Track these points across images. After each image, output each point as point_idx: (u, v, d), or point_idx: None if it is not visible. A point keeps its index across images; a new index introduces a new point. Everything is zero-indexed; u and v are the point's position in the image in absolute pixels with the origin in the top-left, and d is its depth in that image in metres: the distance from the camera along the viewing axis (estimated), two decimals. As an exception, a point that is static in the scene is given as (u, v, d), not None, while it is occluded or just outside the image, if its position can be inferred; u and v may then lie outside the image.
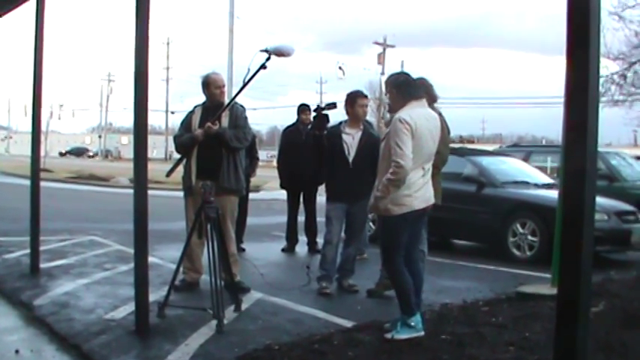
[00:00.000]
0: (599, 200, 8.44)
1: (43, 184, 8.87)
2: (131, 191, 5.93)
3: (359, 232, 8.11)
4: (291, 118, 11.43)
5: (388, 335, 5.59)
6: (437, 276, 8.37)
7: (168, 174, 7.57)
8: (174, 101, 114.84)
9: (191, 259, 7.38)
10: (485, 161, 12.24)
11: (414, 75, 6.30)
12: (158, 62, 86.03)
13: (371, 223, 10.95)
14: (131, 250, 6.46)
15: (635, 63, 19.14)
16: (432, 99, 6.65)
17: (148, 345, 5.47)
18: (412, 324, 5.61)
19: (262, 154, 11.81)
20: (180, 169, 7.59)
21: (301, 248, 11.18)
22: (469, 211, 11.32)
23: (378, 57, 54.70)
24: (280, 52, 6.53)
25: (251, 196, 11.11)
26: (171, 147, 8.03)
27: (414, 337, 5.54)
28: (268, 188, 25.70)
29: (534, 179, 12.06)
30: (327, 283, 7.75)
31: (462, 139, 62.68)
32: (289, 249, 11.20)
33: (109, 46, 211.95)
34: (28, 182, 8.81)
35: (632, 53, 19.03)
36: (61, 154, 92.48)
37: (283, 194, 11.56)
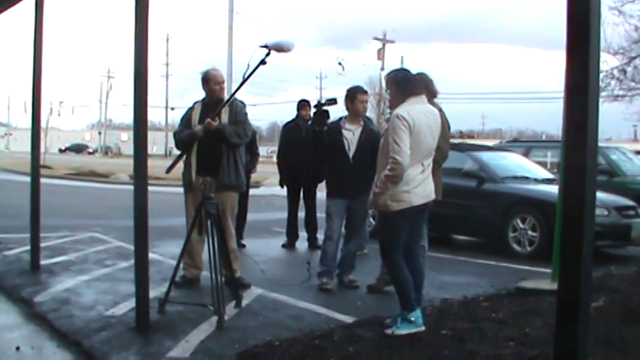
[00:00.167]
0: (599, 195, 8.43)
1: (43, 180, 8.88)
2: (131, 187, 5.94)
3: (359, 228, 8.11)
4: (291, 113, 11.43)
5: (389, 331, 5.59)
6: (437, 271, 8.37)
7: (168, 170, 7.56)
8: (174, 97, 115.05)
9: (191, 255, 7.38)
10: (486, 156, 12.23)
11: (414, 70, 6.30)
12: (158, 58, 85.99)
13: (371, 219, 10.95)
14: (131, 247, 6.46)
15: (635, 58, 19.11)
16: (431, 94, 6.65)
17: (149, 341, 5.47)
18: (412, 319, 5.61)
19: (262, 150, 11.81)
20: (180, 165, 7.58)
21: (301, 244, 11.19)
22: (469, 206, 11.32)
23: (377, 52, 54.72)
24: (280, 48, 6.52)
25: (251, 192, 11.11)
26: (171, 143, 8.03)
27: (414, 333, 5.54)
28: (268, 184, 25.70)
29: (534, 174, 12.05)
30: (328, 278, 7.75)
31: (461, 134, 62.58)
32: (289, 245, 11.20)
33: (109, 42, 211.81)
34: (28, 179, 8.81)
35: (632, 48, 19.00)
36: (61, 151, 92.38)
37: (283, 190, 11.55)
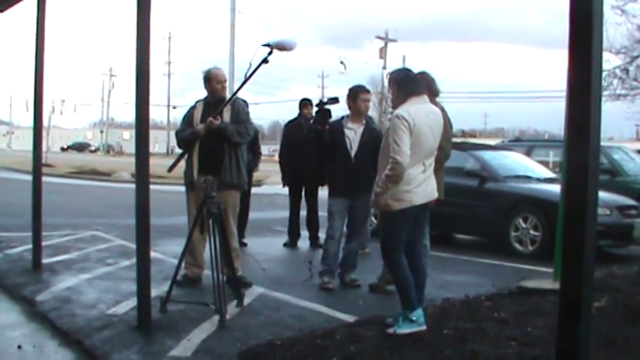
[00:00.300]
0: (601, 195, 8.41)
1: (44, 179, 8.90)
2: (133, 186, 5.92)
3: (361, 227, 8.10)
4: (293, 112, 11.44)
5: (390, 330, 5.58)
6: (439, 271, 8.36)
7: (170, 169, 7.55)
8: (176, 96, 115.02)
9: (193, 254, 7.38)
10: (488, 156, 12.23)
11: (416, 69, 6.30)
12: (160, 57, 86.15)
13: (373, 218, 10.95)
14: (133, 245, 6.46)
15: (637, 57, 19.13)
16: (433, 93, 6.64)
17: (150, 340, 5.47)
18: (413, 318, 5.61)
19: (264, 149, 11.82)
20: (182, 164, 7.58)
21: (303, 243, 11.19)
22: (471, 205, 11.31)
23: (379, 51, 54.71)
24: (282, 47, 6.50)
25: (253, 190, 11.10)
26: (173, 142, 8.05)
27: (416, 332, 5.54)
28: (270, 183, 25.70)
29: (536, 174, 12.05)
30: (330, 278, 7.75)
31: (463, 134, 62.54)
32: (291, 244, 11.20)
33: (111, 41, 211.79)
34: (30, 177, 8.81)
35: (634, 47, 19.03)
36: (63, 149, 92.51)
37: (285, 189, 11.55)
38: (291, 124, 11.35)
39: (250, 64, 6.46)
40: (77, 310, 6.26)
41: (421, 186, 5.66)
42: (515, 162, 12.59)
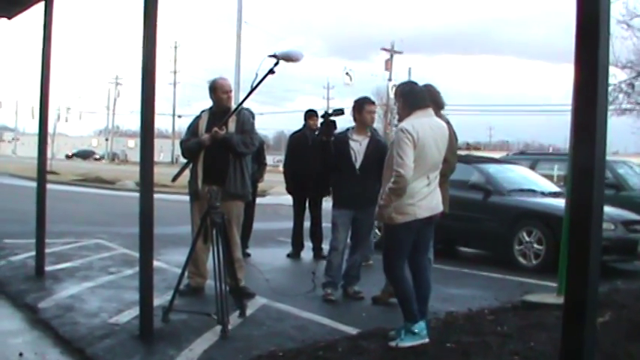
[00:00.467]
0: (606, 209, 8.40)
1: (49, 186, 8.89)
2: (137, 195, 5.91)
3: (365, 239, 8.09)
4: (298, 123, 11.43)
5: (392, 343, 5.57)
6: (443, 284, 8.33)
7: (175, 179, 7.55)
8: (182, 105, 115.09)
9: (196, 263, 7.37)
10: (492, 169, 12.22)
11: (422, 82, 6.30)
12: (165, 66, 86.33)
13: (377, 230, 10.94)
14: (136, 254, 6.45)
15: (643, 72, 19.14)
16: (438, 106, 6.63)
17: (152, 350, 5.46)
18: (416, 331, 5.60)
19: (269, 159, 11.80)
20: (186, 173, 7.58)
21: (307, 254, 11.17)
22: (475, 218, 11.30)
23: (385, 63, 54.67)
24: (289, 58, 6.52)
25: (257, 200, 11.10)
26: (178, 151, 8.04)
27: (418, 345, 5.53)
28: (275, 193, 25.70)
29: (541, 187, 12.03)
30: (333, 289, 7.73)
31: (468, 146, 62.52)
32: (295, 255, 11.18)
33: (117, 49, 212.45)
34: (34, 184, 8.82)
35: (640, 62, 19.03)
36: (68, 157, 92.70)
37: (289, 199, 11.55)
38: (296, 135, 11.35)
39: (256, 75, 6.48)
40: (79, 319, 6.25)
41: (425, 199, 5.66)
42: (519, 175, 12.57)
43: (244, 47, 32.20)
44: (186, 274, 6.80)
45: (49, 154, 12.72)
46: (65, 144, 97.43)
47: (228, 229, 6.84)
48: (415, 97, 5.81)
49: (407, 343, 5.53)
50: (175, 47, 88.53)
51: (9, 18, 10.36)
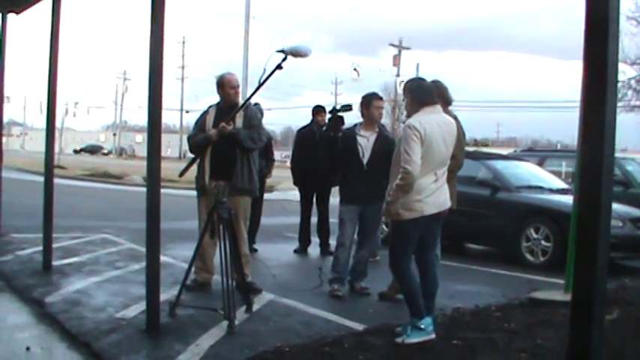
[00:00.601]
0: (614, 206, 8.36)
1: (56, 181, 8.92)
2: (144, 190, 5.92)
3: (372, 235, 8.09)
4: (306, 118, 11.42)
5: (399, 339, 5.57)
6: (449, 280, 8.31)
7: (182, 174, 7.55)
8: (190, 100, 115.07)
9: (203, 259, 7.37)
10: (500, 165, 12.19)
11: (430, 77, 6.29)
12: (173, 61, 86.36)
13: (384, 226, 10.92)
14: (143, 249, 6.46)
15: (652, 68, 19.08)
16: (446, 102, 6.62)
17: (159, 345, 5.46)
18: (422, 326, 5.60)
19: (276, 155, 11.80)
20: (194, 168, 7.58)
21: (314, 250, 11.17)
22: (483, 215, 11.27)
23: (393, 59, 54.63)
24: (297, 53, 6.50)
25: (265, 196, 11.10)
26: (186, 146, 8.04)
27: (425, 342, 5.52)
28: (282, 188, 25.70)
29: (549, 184, 11.99)
30: (339, 285, 7.73)
31: (476, 142, 62.49)
32: (302, 250, 11.18)
33: (125, 44, 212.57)
34: (42, 179, 8.83)
35: (649, 59, 18.96)
36: (76, 152, 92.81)
37: (297, 195, 11.55)
38: (303, 131, 11.35)
39: (264, 70, 6.48)
40: (86, 313, 6.26)
41: (432, 196, 5.65)
42: (527, 172, 12.54)
43: (252, 42, 32.28)
44: (193, 269, 6.80)
45: (56, 149, 12.74)
46: (73, 139, 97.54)
47: (235, 225, 6.84)
48: (423, 94, 5.80)
49: (413, 339, 5.53)
50: (183, 42, 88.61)
51: (17, 13, 10.39)
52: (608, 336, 5.03)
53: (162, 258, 6.61)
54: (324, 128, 9.63)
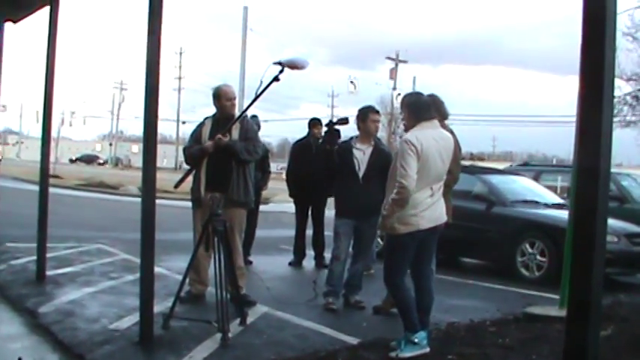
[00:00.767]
0: (610, 222, 8.34)
1: (52, 190, 8.88)
2: (140, 200, 5.91)
3: (367, 249, 8.08)
4: (302, 130, 11.43)
5: (393, 354, 5.56)
6: (444, 294, 8.28)
7: (177, 185, 7.52)
8: (186, 111, 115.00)
9: (197, 270, 7.34)
10: (496, 180, 12.20)
11: (426, 91, 6.29)
12: (170, 72, 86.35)
13: (379, 239, 10.91)
14: (138, 260, 6.43)
15: (648, 84, 19.14)
16: (442, 116, 6.63)
17: (152, 357, 5.45)
18: (416, 341, 5.59)
19: (272, 167, 11.79)
20: (189, 179, 7.56)
21: (308, 262, 11.15)
22: (478, 229, 11.26)
23: (390, 72, 54.82)
24: (294, 65, 6.51)
25: (260, 208, 11.08)
26: (182, 157, 8.04)
27: (419, 356, 5.50)
28: (278, 200, 25.68)
29: (544, 199, 12.00)
30: (334, 298, 7.71)
31: (472, 157, 62.50)
32: (296, 263, 11.16)
33: (123, 54, 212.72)
34: (37, 188, 8.81)
35: (645, 74, 19.02)
36: (72, 161, 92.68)
37: (292, 207, 11.54)
38: (299, 143, 11.35)
39: (261, 82, 6.47)
40: (79, 324, 6.23)
41: (428, 210, 5.65)
42: (523, 187, 12.55)
43: (249, 54, 32.30)
44: (187, 280, 6.79)
45: (52, 158, 12.72)
46: (69, 148, 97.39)
47: (230, 237, 6.82)
48: (420, 109, 5.81)
49: (407, 353, 5.52)
50: (180, 53, 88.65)
51: (14, 22, 10.38)
52: (603, 352, 5.01)
53: (157, 269, 6.59)
54: (321, 141, 9.63)
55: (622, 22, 17.38)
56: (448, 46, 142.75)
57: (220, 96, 7.54)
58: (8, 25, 10.44)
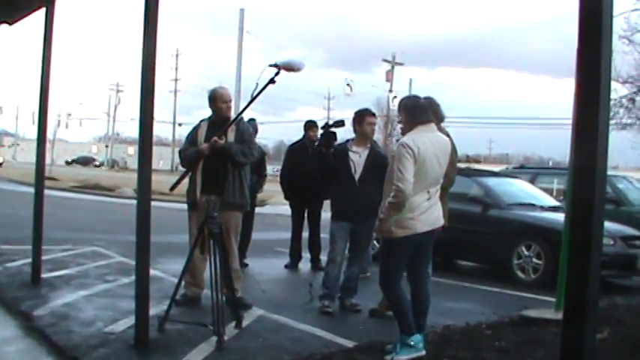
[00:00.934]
0: (606, 224, 8.36)
1: (47, 192, 8.86)
2: (135, 202, 5.89)
3: (363, 252, 8.07)
4: (298, 133, 11.41)
5: (388, 357, 5.54)
6: (440, 297, 8.27)
7: (173, 188, 7.51)
8: (182, 113, 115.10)
9: (193, 273, 7.33)
10: (492, 182, 12.20)
11: (422, 93, 6.29)
12: (166, 74, 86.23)
13: (375, 242, 10.90)
14: (133, 262, 6.42)
15: (644, 87, 19.15)
16: (438, 119, 6.62)
17: (147, 360, 5.42)
18: (412, 343, 5.58)
19: (268, 169, 11.76)
20: (185, 182, 7.55)
21: (304, 265, 11.14)
22: (474, 232, 11.25)
23: (386, 74, 54.74)
24: (290, 67, 6.50)
25: (256, 210, 11.07)
26: (178, 159, 8.02)
27: (415, 358, 5.49)
28: (274, 203, 25.66)
29: (540, 201, 12.00)
30: (330, 301, 7.70)
31: (468, 159, 62.58)
32: (292, 266, 11.15)
33: (119, 56, 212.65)
34: (33, 190, 8.78)
35: (641, 77, 19.04)
36: (68, 163, 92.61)
37: (288, 209, 11.52)
38: (295, 146, 11.33)
39: (257, 84, 6.47)
40: (74, 327, 6.20)
41: (425, 213, 5.64)
42: (519, 189, 12.54)
43: (245, 56, 32.28)
44: (182, 283, 6.77)
45: (48, 160, 12.70)
46: (65, 150, 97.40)
47: (226, 240, 6.80)
48: (417, 112, 5.80)
49: (403, 356, 5.51)
50: (176, 55, 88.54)
51: (10, 24, 10.36)
52: (599, 355, 5.00)
53: (152, 272, 6.58)
54: (317, 144, 9.62)
55: (618, 25, 17.37)
56: (444, 48, 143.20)
57: (216, 98, 7.53)
58: (4, 28, 10.42)
